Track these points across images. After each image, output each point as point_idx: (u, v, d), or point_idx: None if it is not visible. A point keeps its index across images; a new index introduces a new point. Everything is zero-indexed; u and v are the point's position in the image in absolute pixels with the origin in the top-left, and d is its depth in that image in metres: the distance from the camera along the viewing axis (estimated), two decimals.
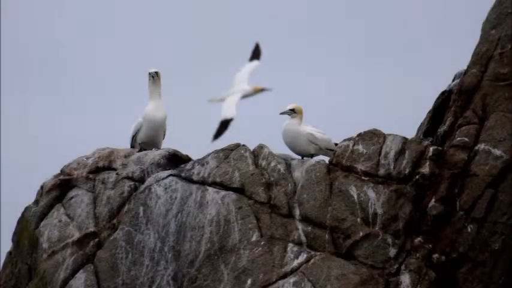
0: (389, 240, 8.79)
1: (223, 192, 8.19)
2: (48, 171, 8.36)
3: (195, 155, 8.97)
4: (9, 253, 8.15)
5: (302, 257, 8.47)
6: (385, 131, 8.68)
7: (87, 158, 8.39)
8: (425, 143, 8.66)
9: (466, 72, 8.78)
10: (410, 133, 10.08)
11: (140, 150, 8.65)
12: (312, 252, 8.45)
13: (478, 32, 9.00)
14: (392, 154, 8.61)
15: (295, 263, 8.45)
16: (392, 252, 8.66)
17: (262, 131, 11.38)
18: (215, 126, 9.63)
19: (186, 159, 8.81)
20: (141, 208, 8.05)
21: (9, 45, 24.46)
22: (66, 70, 25.99)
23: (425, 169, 8.24)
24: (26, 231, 8.10)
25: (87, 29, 27.33)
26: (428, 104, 9.95)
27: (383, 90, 24.37)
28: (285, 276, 7.56)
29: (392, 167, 8.56)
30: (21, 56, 25.94)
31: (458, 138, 8.49)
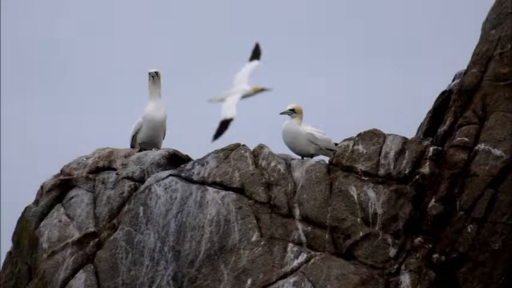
0: (389, 240, 8.79)
1: (223, 192, 8.20)
2: (48, 171, 8.35)
3: (195, 155, 8.97)
4: (9, 253, 8.14)
5: (302, 257, 8.47)
6: (385, 131, 8.68)
7: (87, 158, 8.39)
8: (425, 143, 8.66)
9: (466, 72, 8.79)
10: (410, 133, 10.08)
11: (140, 150, 8.65)
12: (312, 252, 8.46)
13: (478, 32, 9.00)
14: (392, 154, 8.62)
15: (295, 263, 8.44)
16: (392, 252, 8.66)
17: (262, 131, 11.39)
18: (215, 126, 9.63)
19: (186, 159, 8.81)
20: (141, 208, 8.04)
21: (9, 45, 24.48)
22: (66, 70, 26.01)
23: (425, 169, 8.25)
24: (26, 231, 8.09)
25: (87, 29, 27.34)
26: (428, 104, 9.95)
27: (383, 90, 24.40)
28: (285, 276, 7.56)
29: (392, 167, 8.57)
30: (21, 56, 25.96)
31: (458, 138, 8.50)
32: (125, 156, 8.49)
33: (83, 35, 27.12)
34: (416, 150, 8.44)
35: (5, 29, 24.18)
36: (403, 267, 8.26)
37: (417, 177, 8.30)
